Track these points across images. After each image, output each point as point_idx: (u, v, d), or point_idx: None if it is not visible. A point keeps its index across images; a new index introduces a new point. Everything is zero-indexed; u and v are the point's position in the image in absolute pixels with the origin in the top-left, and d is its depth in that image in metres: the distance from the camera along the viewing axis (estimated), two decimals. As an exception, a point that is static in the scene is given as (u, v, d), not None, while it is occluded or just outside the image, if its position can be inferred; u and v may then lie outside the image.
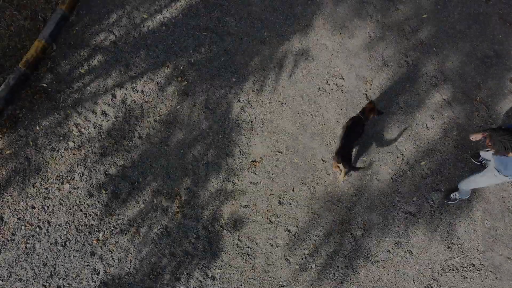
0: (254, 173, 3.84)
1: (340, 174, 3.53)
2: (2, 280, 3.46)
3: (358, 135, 3.58)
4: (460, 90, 4.09)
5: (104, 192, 3.77)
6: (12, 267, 3.51)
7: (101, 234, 3.64)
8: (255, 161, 3.88)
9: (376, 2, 4.41)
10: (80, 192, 3.76)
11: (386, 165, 3.87)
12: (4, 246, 3.57)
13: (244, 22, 4.34)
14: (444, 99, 4.07)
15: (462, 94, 4.08)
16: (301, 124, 4.00)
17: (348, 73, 4.16)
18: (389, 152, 3.90)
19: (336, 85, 4.12)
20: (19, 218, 3.67)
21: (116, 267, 3.55)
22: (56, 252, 3.58)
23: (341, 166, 3.35)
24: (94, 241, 3.62)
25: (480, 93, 4.08)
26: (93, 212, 3.70)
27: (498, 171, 2.99)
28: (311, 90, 4.11)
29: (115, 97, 4.07)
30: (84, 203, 3.73)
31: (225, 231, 3.67)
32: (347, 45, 4.26)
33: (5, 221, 3.65)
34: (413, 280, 3.54)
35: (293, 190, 3.80)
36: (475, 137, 3.17)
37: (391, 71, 4.17)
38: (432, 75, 4.15)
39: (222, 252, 3.61)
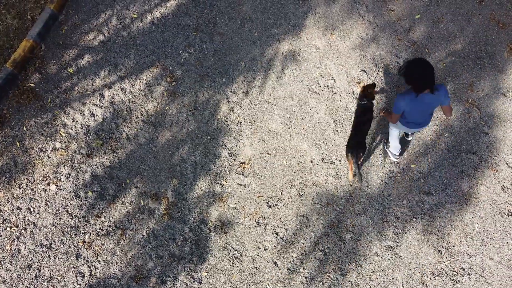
0: (243, 175, 3.80)
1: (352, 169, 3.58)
2: (-14, 282, 3.42)
3: (370, 122, 3.63)
4: (452, 92, 4.04)
5: (90, 193, 3.73)
6: (-4, 269, 3.47)
7: (87, 236, 3.60)
8: (244, 163, 3.84)
9: (368, 3, 4.37)
10: (66, 193, 3.72)
11: (376, 168, 3.82)
12: (-12, 248, 3.53)
13: (235, 22, 4.30)
14: (435, 101, 4.02)
15: (454, 96, 4.03)
16: (291, 126, 3.96)
17: (339, 74, 4.11)
18: (379, 155, 3.86)
19: (327, 86, 4.08)
20: (4, 220, 3.63)
21: (102, 270, 3.51)
22: (41, 254, 3.54)
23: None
24: (80, 243, 3.58)
25: (472, 95, 4.04)
26: (79, 214, 3.67)
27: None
28: (301, 91, 4.07)
29: (103, 98, 4.03)
30: (70, 204, 3.69)
31: (212, 233, 3.63)
32: (339, 46, 4.21)
33: (-10, 223, 3.61)
34: (402, 284, 3.50)
35: (281, 193, 3.76)
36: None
37: (383, 72, 4.13)
38: (424, 76, 4.10)
39: (209, 255, 3.57)
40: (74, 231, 3.62)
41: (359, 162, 3.53)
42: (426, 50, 4.20)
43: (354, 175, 3.64)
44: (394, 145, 3.62)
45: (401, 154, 3.72)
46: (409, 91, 2.89)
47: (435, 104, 2.96)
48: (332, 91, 4.06)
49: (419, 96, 2.86)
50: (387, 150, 3.77)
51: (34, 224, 3.63)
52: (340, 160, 3.83)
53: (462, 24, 4.28)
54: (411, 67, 2.73)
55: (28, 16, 4.27)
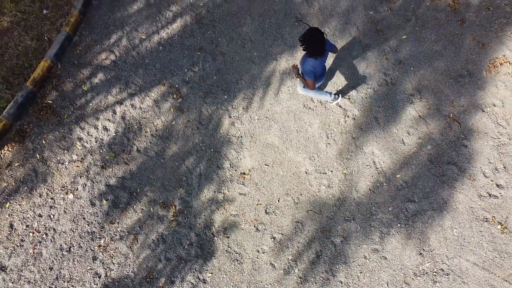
0: (243, 184, 4.18)
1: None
2: (13, 283, 3.80)
3: None
4: (434, 107, 4.41)
5: (105, 201, 4.10)
6: (21, 271, 3.85)
7: (102, 241, 3.98)
8: (244, 173, 4.21)
9: (359, 24, 4.73)
10: (83, 201, 4.10)
11: (364, 178, 4.19)
12: (14, 252, 3.91)
13: (235, 43, 4.67)
14: (419, 116, 4.39)
15: (436, 111, 4.40)
16: (287, 139, 4.33)
17: (331, 90, 4.47)
18: (367, 166, 4.23)
19: (320, 102, 4.45)
20: (27, 226, 4.01)
21: (116, 271, 3.89)
22: (61, 257, 3.92)
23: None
24: (96, 247, 3.96)
25: (453, 110, 4.40)
26: (95, 220, 4.04)
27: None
28: (297, 107, 4.43)
29: (115, 113, 4.40)
30: (87, 212, 4.07)
31: (215, 238, 4.01)
32: (331, 65, 4.58)
33: (15, 228, 3.99)
34: (387, 284, 3.88)
35: (278, 201, 4.13)
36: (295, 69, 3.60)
37: (371, 89, 4.49)
38: (409, 93, 4.48)
39: (213, 257, 3.94)
40: (90, 236, 4.00)
41: None
42: (412, 68, 4.56)
43: None
44: (328, 96, 4.16)
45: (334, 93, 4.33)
46: (309, 58, 3.32)
47: (327, 55, 3.49)
48: (325, 107, 4.43)
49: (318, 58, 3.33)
50: (334, 102, 4.35)
51: (54, 229, 4.01)
52: (331, 171, 4.21)
53: (445, 44, 4.64)
54: (311, 38, 3.08)
55: (45, 38, 4.64)
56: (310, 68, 3.33)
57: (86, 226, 4.03)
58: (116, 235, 4.00)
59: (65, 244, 3.96)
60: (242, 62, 4.60)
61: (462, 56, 4.60)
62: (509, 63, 4.53)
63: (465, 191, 4.14)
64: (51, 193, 4.12)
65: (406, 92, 4.47)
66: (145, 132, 4.35)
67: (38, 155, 4.24)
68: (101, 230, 4.01)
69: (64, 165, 4.22)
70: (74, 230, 4.01)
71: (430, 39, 4.67)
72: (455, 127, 4.35)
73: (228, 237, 4.01)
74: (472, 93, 4.46)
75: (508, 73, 4.51)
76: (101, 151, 4.27)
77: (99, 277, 3.87)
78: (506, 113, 4.36)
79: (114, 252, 3.95)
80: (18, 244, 3.94)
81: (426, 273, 3.90)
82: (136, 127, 4.36)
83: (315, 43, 3.07)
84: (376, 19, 4.73)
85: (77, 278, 3.86)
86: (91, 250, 3.95)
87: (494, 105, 4.40)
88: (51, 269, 3.88)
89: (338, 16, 4.75)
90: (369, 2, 4.80)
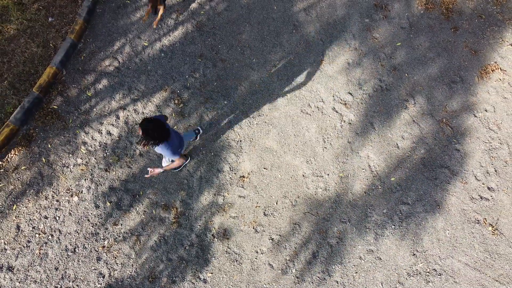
0: (242, 187, 4.31)
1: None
2: (20, 282, 3.94)
3: None
4: (428, 113, 4.55)
5: (109, 204, 4.24)
6: (28, 271, 3.98)
7: (106, 242, 4.12)
8: (243, 177, 4.35)
9: (355, 31, 4.88)
10: (87, 204, 4.24)
11: (360, 181, 4.33)
12: (20, 252, 4.05)
13: (235, 50, 4.82)
14: (413, 121, 4.53)
15: (429, 116, 4.54)
16: (285, 143, 4.47)
17: (328, 96, 4.62)
18: (363, 169, 4.37)
19: (317, 107, 4.59)
20: (33, 227, 4.14)
21: (120, 271, 4.02)
22: (66, 258, 4.05)
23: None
24: (100, 248, 4.10)
25: (446, 115, 4.54)
26: (99, 222, 4.18)
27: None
28: (294, 112, 4.58)
29: (119, 118, 4.55)
30: (91, 213, 4.21)
31: (215, 239, 4.14)
32: (327, 71, 4.73)
33: (21, 230, 4.13)
34: (382, 284, 4.01)
35: (276, 203, 4.27)
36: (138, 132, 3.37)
37: (367, 94, 4.63)
38: (403, 98, 4.62)
39: (213, 258, 4.08)
40: (94, 237, 4.13)
41: None
42: (406, 74, 4.71)
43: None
44: (194, 135, 4.26)
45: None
46: (162, 145, 3.21)
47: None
48: (322, 112, 4.57)
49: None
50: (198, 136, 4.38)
51: (59, 231, 4.14)
52: (328, 174, 4.34)
53: (438, 51, 4.79)
54: (153, 130, 2.98)
55: (51, 45, 4.79)
56: (173, 149, 3.26)
57: (91, 227, 4.16)
58: (119, 236, 4.14)
59: (70, 245, 4.09)
60: (242, 69, 4.74)
61: (455, 62, 4.74)
62: (501, 69, 4.68)
63: (457, 193, 4.27)
64: (57, 195, 4.26)
65: (400, 98, 4.62)
66: (148, 136, 4.48)
67: (44, 159, 4.38)
68: (105, 232, 4.15)
69: (69, 168, 4.36)
70: (79, 231, 4.14)
71: (424, 46, 4.81)
72: (448, 131, 4.49)
73: (227, 239, 4.14)
74: (465, 98, 4.60)
75: (500, 79, 4.65)
76: (105, 154, 4.41)
77: (103, 276, 4.00)
78: (497, 118, 4.50)
79: (117, 252, 4.08)
80: (25, 245, 4.07)
81: (419, 273, 4.04)
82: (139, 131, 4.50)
83: (159, 131, 2.99)
84: (371, 27, 4.88)
85: (81, 277, 3.99)
86: (95, 250, 4.09)
87: (486, 111, 4.54)
88: (56, 269, 4.01)
89: (334, 23, 4.90)
90: (365, 10, 4.95)
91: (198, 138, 4.42)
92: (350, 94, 4.64)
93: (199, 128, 4.42)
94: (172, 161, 3.69)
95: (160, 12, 4.49)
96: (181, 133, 4.04)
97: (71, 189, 4.29)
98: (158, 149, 3.26)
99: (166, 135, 3.08)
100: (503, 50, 4.76)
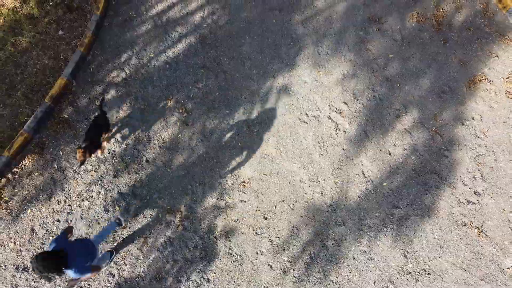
0: (243, 192, 4.58)
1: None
2: (35, 282, 4.20)
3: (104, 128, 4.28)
4: (419, 121, 4.81)
5: (117, 208, 4.50)
6: (43, 271, 4.25)
7: (115, 244, 4.38)
8: (244, 182, 4.61)
9: (350, 44, 5.14)
10: (97, 208, 4.50)
11: (354, 186, 4.60)
12: (35, 254, 4.30)
13: (236, 61, 5.08)
14: (405, 129, 4.79)
15: (420, 125, 4.80)
16: (283, 150, 4.73)
17: (324, 106, 4.89)
18: (357, 175, 4.63)
19: (314, 116, 4.86)
20: (47, 230, 4.41)
21: (128, 271, 4.29)
22: (78, 259, 4.31)
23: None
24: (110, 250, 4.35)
25: (436, 124, 4.80)
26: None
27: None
28: (292, 120, 4.84)
29: (126, 127, 4.81)
30: (101, 217, 4.47)
31: (218, 241, 4.41)
32: (324, 82, 4.99)
33: (35, 232, 4.39)
34: (374, 283, 4.27)
35: (275, 207, 4.53)
36: None
37: (361, 104, 4.90)
38: (395, 107, 4.88)
39: (215, 259, 4.34)
40: (104, 239, 4.39)
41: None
42: (398, 85, 4.97)
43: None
44: (109, 257, 4.19)
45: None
46: (68, 270, 3.11)
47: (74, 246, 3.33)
48: (318, 121, 4.83)
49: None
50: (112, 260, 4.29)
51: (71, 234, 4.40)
52: (324, 180, 4.61)
53: (428, 62, 5.05)
54: (43, 269, 2.88)
55: (61, 57, 5.05)
56: (79, 269, 3.14)
57: (101, 230, 4.42)
58: (127, 238, 4.40)
59: (82, 247, 4.35)
60: (242, 79, 5.00)
61: (444, 73, 5.00)
62: (487, 80, 4.94)
63: (446, 198, 4.53)
64: (68, 200, 4.52)
65: (392, 107, 4.88)
66: (154, 144, 4.75)
67: (56, 165, 4.64)
68: (114, 234, 4.41)
69: (79, 175, 4.62)
70: (89, 234, 4.40)
71: (415, 58, 5.07)
72: (437, 139, 4.75)
73: (229, 240, 4.41)
74: (453, 108, 4.87)
75: (487, 89, 4.91)
76: (113, 161, 4.67)
77: (113, 276, 4.26)
78: (484, 126, 4.77)
79: (126, 254, 4.34)
80: (39, 247, 4.34)
81: (410, 273, 4.30)
82: (145, 139, 4.77)
83: (53, 266, 2.91)
84: (365, 39, 5.14)
85: (92, 277, 4.25)
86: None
87: (473, 119, 4.81)
88: (69, 269, 4.27)
89: (330, 36, 5.16)
90: (359, 23, 5.21)
91: (123, 224, 4.35)
92: (345, 103, 4.90)
93: (119, 217, 4.34)
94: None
95: (102, 152, 4.57)
96: (90, 238, 3.83)
97: (82, 194, 4.55)
98: (66, 275, 3.12)
99: (63, 263, 2.94)
100: (490, 61, 5.02)
